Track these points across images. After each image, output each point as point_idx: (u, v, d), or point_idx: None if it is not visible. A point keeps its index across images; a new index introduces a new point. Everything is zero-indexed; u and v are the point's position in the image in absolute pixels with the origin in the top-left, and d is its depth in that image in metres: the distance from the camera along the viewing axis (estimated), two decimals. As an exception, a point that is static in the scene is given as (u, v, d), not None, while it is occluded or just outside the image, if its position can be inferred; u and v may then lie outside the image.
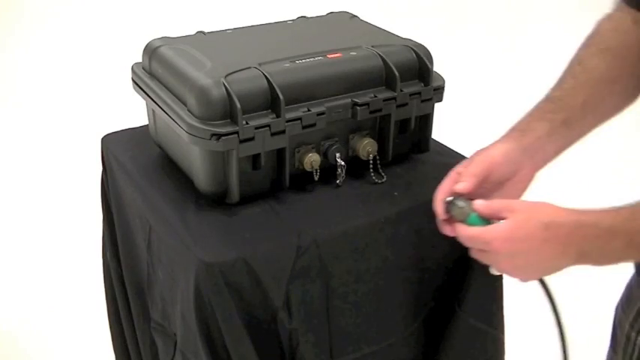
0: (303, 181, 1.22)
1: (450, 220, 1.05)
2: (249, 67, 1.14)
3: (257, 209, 1.17)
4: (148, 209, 1.21)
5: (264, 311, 1.10)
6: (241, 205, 1.17)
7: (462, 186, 1.05)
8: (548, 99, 1.13)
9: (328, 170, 1.22)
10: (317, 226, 1.13)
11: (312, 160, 1.19)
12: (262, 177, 1.18)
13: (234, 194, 1.16)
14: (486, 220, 1.01)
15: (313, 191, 1.22)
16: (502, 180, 1.09)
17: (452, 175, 1.08)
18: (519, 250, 0.96)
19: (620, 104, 1.15)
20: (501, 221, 0.97)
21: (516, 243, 0.96)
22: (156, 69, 1.24)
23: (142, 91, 1.27)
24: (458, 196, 1.04)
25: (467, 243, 1.02)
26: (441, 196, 1.06)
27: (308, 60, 1.18)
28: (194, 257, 1.06)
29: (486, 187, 1.08)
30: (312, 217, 1.15)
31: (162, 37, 1.30)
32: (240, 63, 1.15)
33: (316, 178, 1.21)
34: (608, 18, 1.17)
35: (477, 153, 1.09)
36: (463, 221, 1.02)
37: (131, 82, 1.31)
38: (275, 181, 1.20)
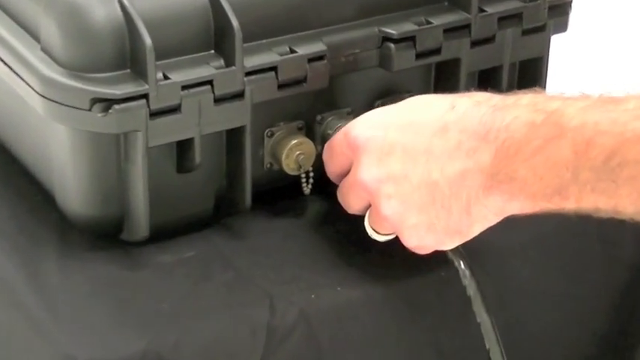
0: (280, 194, 0.97)
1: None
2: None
3: (186, 253, 0.92)
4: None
5: None
6: (154, 245, 0.91)
7: None
8: None
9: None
10: (308, 286, 0.89)
11: (298, 152, 0.92)
12: (198, 188, 0.93)
13: (141, 223, 0.90)
14: None
15: (302, 216, 0.97)
16: None
17: None
18: (386, 152, 0.77)
19: None
20: None
21: (377, 134, 0.78)
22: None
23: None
24: None
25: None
26: None
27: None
28: (57, 353, 0.83)
29: None
30: (298, 269, 0.91)
31: None
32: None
33: (307, 190, 0.93)
34: None
35: None
36: None
37: None
38: (224, 196, 0.94)
